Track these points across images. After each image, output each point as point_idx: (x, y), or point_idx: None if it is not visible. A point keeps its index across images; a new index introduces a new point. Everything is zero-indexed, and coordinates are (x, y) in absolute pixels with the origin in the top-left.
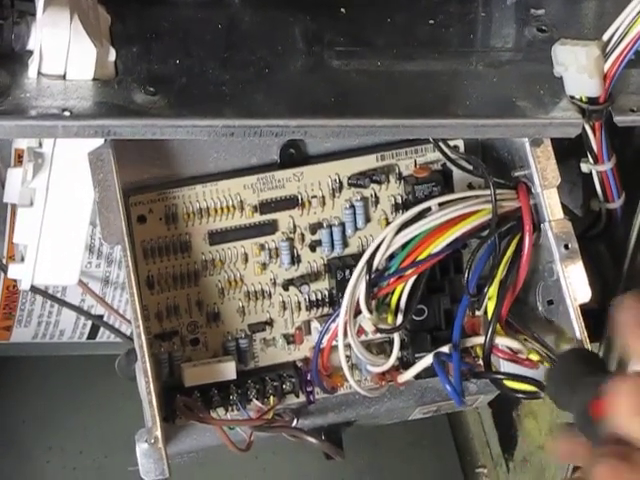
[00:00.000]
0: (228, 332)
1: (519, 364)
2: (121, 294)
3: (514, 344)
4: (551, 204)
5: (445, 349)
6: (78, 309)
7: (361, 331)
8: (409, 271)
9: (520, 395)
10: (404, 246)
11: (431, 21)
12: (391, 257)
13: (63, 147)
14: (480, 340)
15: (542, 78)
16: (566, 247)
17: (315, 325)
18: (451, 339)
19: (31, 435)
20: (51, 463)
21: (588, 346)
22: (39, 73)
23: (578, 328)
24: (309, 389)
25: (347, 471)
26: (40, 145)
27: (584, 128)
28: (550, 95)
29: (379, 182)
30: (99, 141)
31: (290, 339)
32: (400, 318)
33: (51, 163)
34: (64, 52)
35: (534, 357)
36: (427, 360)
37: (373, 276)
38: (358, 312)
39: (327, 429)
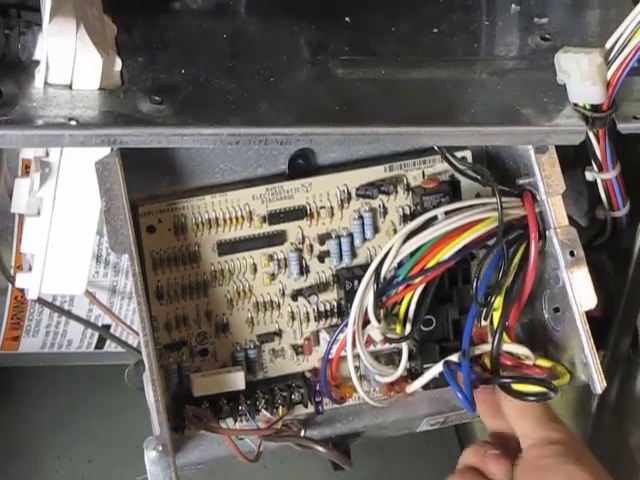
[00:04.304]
0: (237, 342)
1: (527, 371)
2: (128, 304)
3: (521, 350)
4: (556, 211)
5: (454, 357)
6: (85, 321)
7: (369, 341)
8: (417, 279)
9: (530, 398)
10: (412, 254)
11: (435, 30)
12: (399, 266)
13: (70, 156)
14: (488, 348)
15: (545, 86)
16: (571, 254)
17: (324, 336)
18: (460, 349)
19: (39, 445)
20: (60, 473)
21: (594, 352)
22: (45, 83)
23: (584, 334)
24: (318, 399)
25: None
26: (47, 154)
27: (588, 136)
28: (553, 103)
29: (387, 193)
30: (106, 150)
31: (299, 350)
32: (408, 327)
33: (58, 172)
34: (70, 62)
35: (542, 363)
36: (436, 369)
37: (381, 285)
38: (366, 322)
39: (335, 440)
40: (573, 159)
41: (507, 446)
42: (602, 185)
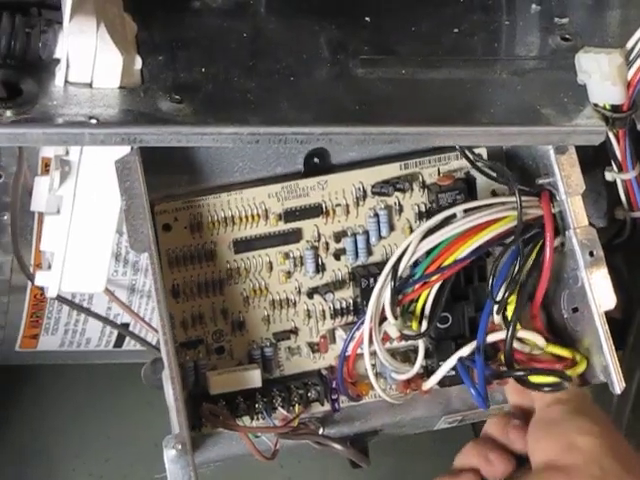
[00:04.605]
0: (253, 340)
1: (542, 364)
2: (147, 302)
3: (533, 336)
4: (575, 211)
5: (467, 350)
6: (103, 319)
7: (386, 338)
8: (434, 277)
9: (545, 389)
10: (429, 252)
11: (455, 29)
12: (416, 263)
13: (90, 155)
14: (499, 337)
15: (566, 86)
16: (591, 254)
17: (340, 333)
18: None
19: (57, 443)
20: (77, 471)
21: (614, 352)
22: (66, 81)
23: (603, 335)
24: (334, 397)
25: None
26: (67, 153)
27: (608, 136)
28: (574, 103)
29: (403, 190)
30: (125, 149)
31: (315, 347)
32: (425, 325)
33: (78, 171)
34: (91, 60)
35: (555, 350)
36: (450, 363)
37: (398, 282)
38: (383, 319)
39: (352, 439)
40: (593, 159)
41: (528, 419)
42: (622, 185)
